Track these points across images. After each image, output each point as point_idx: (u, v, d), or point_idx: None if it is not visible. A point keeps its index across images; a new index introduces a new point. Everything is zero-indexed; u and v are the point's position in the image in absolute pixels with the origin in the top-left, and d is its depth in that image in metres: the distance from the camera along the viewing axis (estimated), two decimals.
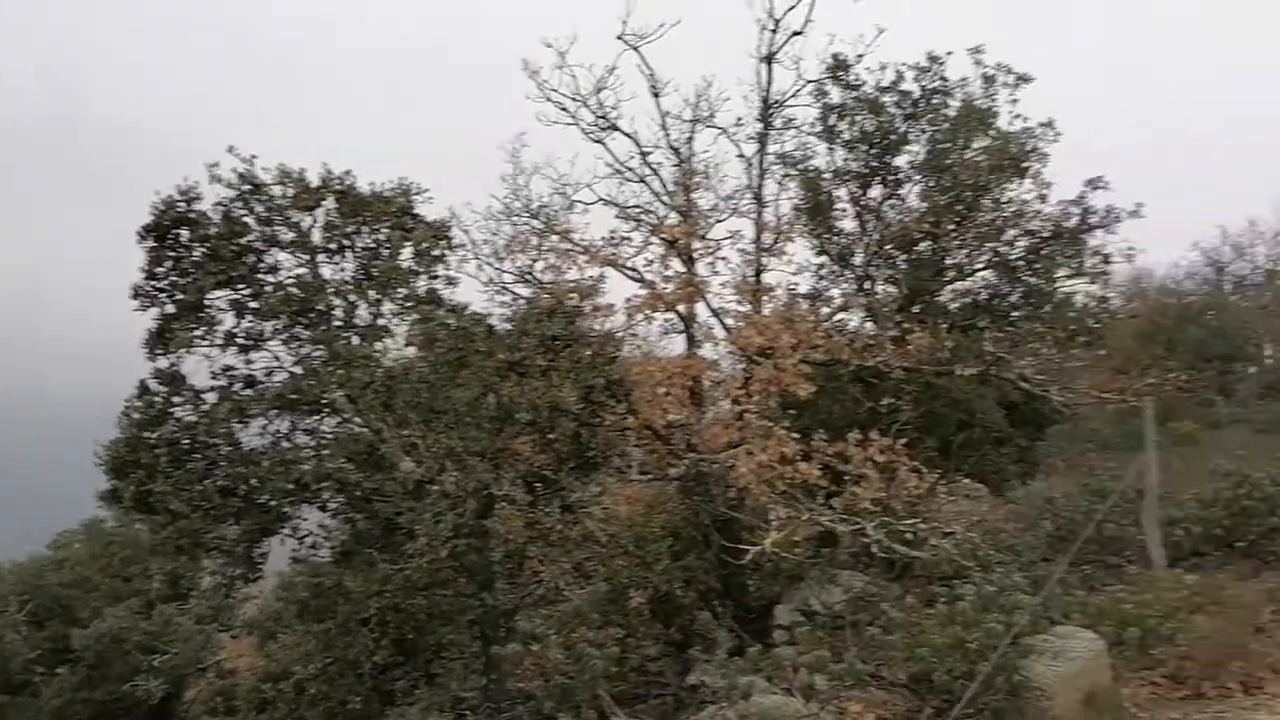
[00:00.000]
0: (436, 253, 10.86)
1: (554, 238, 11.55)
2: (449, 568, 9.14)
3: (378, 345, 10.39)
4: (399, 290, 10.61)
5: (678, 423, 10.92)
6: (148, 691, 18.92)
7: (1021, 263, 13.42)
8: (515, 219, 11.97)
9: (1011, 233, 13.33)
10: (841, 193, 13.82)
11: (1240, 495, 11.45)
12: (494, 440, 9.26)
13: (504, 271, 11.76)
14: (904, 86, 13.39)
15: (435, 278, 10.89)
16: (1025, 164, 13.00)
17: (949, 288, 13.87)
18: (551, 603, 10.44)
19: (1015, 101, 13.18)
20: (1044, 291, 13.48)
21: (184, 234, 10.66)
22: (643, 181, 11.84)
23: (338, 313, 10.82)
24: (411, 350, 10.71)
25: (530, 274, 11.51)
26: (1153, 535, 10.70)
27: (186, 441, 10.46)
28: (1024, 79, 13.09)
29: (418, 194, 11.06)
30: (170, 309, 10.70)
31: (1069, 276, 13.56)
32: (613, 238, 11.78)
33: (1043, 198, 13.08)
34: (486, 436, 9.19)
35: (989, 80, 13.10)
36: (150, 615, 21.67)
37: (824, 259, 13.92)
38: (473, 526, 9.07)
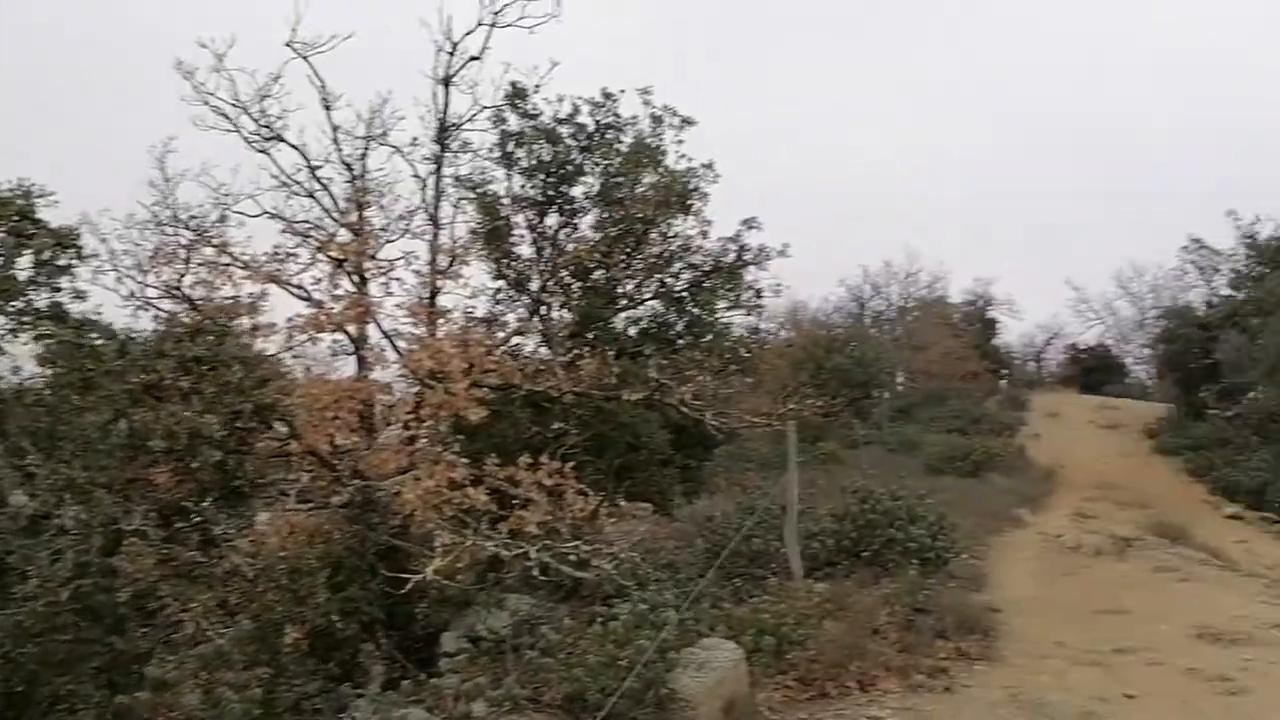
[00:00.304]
0: (62, 262, 9.68)
1: (207, 250, 10.71)
2: (69, 611, 8.11)
3: None
4: (13, 303, 9.34)
5: (345, 448, 10.50)
6: None
7: (685, 294, 14.38)
8: (164, 229, 10.98)
9: (677, 265, 14.24)
10: (519, 219, 14.09)
11: (865, 509, 12.79)
12: (124, 470, 8.38)
13: (148, 285, 10.72)
14: (580, 119, 13.91)
15: (59, 290, 9.72)
16: (690, 201, 13.93)
17: (620, 315, 14.51)
18: (197, 644, 9.59)
19: (681, 142, 14.15)
20: (705, 321, 14.49)
21: None
22: (311, 196, 11.25)
23: None
24: (37, 370, 9.48)
25: (178, 289, 10.58)
26: (793, 548, 11.68)
27: None
28: (688, 121, 14.07)
29: (40, 196, 9.80)
30: None
31: (727, 308, 14.68)
32: (277, 253, 11.10)
33: (704, 234, 14.14)
34: (116, 466, 8.29)
35: (657, 120, 13.95)
36: None
37: (501, 283, 14.09)
38: (99, 565, 8.13)
